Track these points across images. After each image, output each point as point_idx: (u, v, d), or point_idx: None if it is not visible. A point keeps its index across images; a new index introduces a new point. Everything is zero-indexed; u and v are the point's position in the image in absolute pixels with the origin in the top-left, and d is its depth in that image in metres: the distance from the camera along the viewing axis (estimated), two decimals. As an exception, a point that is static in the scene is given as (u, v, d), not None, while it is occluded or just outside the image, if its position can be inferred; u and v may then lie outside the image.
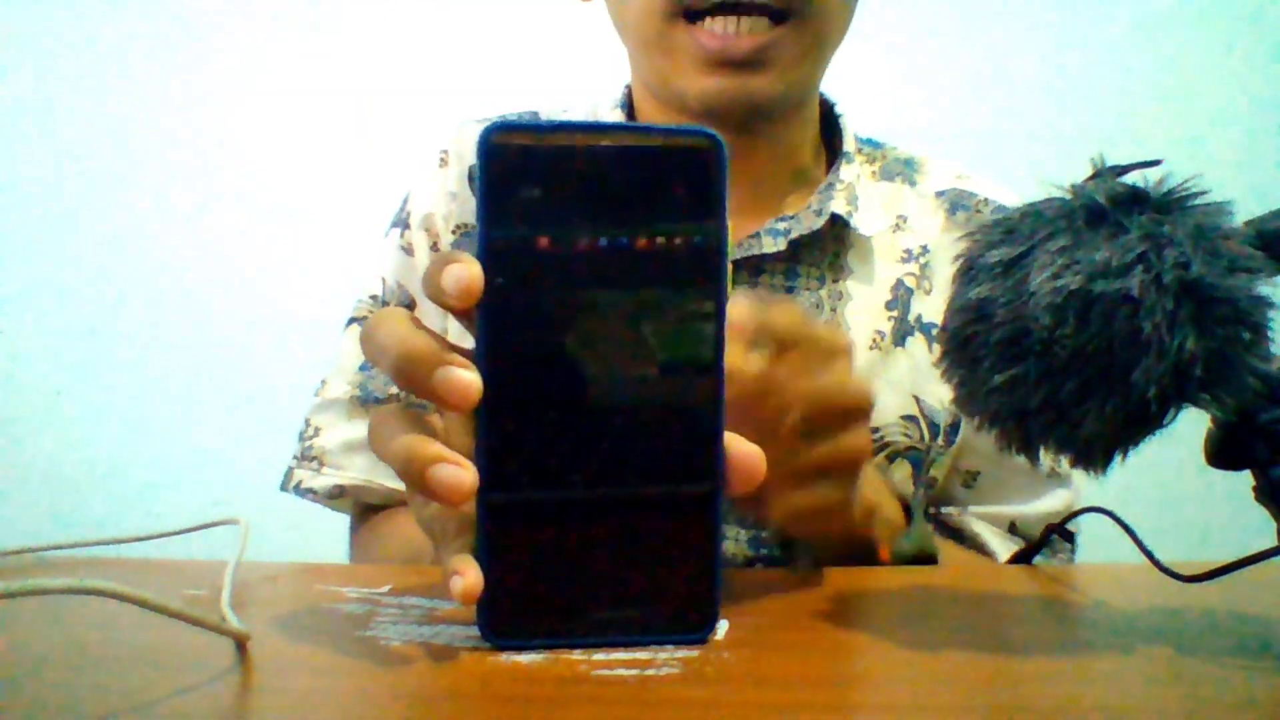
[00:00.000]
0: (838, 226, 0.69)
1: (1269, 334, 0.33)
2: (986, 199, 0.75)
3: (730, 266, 0.35)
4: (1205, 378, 0.32)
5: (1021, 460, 0.69)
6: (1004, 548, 0.70)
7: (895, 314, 0.71)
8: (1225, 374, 0.32)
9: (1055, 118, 1.60)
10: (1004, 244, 0.34)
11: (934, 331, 0.71)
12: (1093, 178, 0.35)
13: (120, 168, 1.66)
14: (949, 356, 0.36)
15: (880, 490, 0.53)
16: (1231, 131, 1.61)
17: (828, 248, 0.70)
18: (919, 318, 0.71)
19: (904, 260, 0.72)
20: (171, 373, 1.66)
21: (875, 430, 0.69)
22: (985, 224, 0.36)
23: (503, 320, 0.33)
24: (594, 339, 0.33)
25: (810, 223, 0.68)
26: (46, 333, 1.67)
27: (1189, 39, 1.63)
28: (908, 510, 0.57)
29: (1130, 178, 0.35)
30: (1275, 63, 1.63)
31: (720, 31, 0.60)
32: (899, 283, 0.71)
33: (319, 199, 1.62)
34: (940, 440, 0.71)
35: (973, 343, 0.34)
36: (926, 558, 0.55)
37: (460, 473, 0.32)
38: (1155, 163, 0.36)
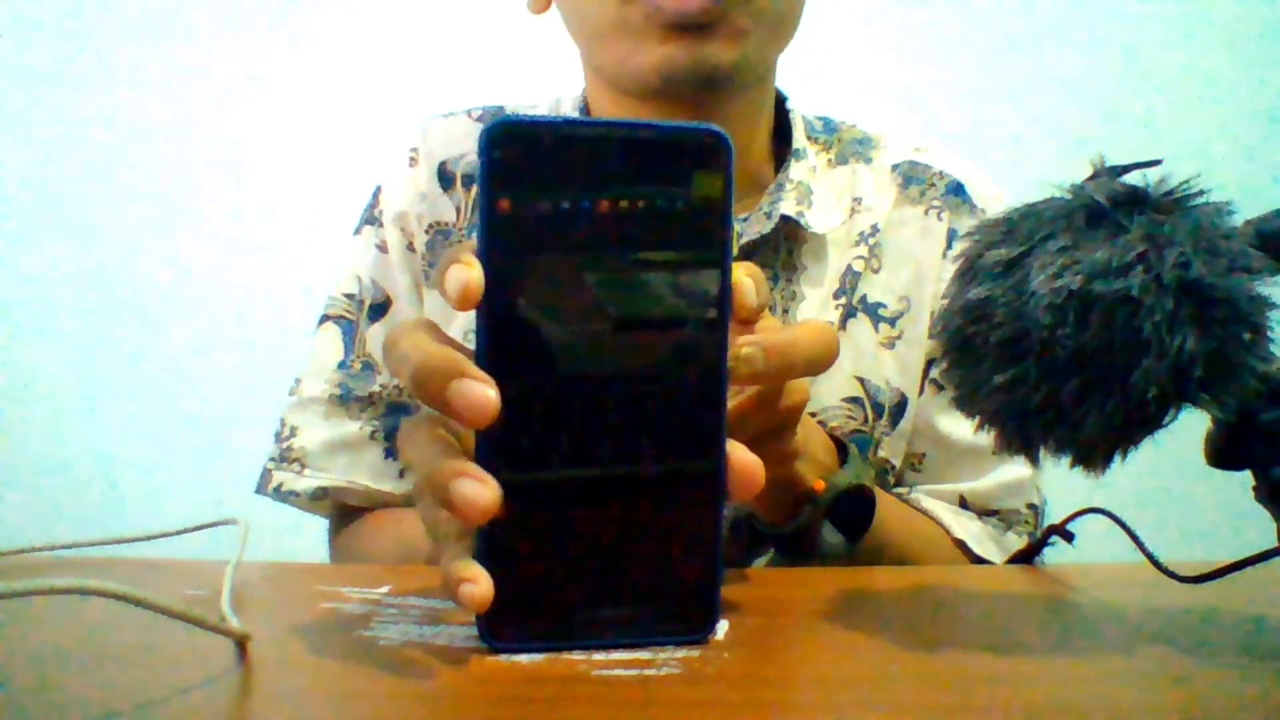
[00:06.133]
0: (790, 225, 0.69)
1: (1269, 334, 0.33)
2: (942, 172, 0.74)
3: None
4: (1205, 378, 0.32)
5: (966, 441, 0.69)
6: (955, 520, 0.69)
7: (843, 301, 0.70)
8: (1225, 374, 0.32)
9: (1056, 118, 1.60)
10: (1004, 244, 0.34)
11: (879, 311, 0.71)
12: (1093, 178, 0.35)
13: (124, 166, 1.66)
14: (949, 356, 0.36)
15: (805, 426, 0.53)
16: (1233, 131, 1.61)
17: (780, 248, 0.70)
18: (863, 298, 0.71)
19: (856, 244, 0.71)
20: (171, 372, 1.66)
21: (814, 415, 0.68)
22: (985, 224, 0.36)
23: (504, 319, 0.33)
24: (597, 336, 0.33)
25: (760, 226, 0.68)
26: (46, 333, 1.67)
27: (1191, 38, 1.63)
28: (842, 448, 0.57)
29: (1130, 178, 0.35)
30: (1276, 61, 1.63)
31: None
32: (848, 268, 0.71)
33: (317, 196, 1.62)
34: (885, 420, 0.70)
35: (973, 343, 0.34)
36: (863, 492, 0.55)
37: (482, 489, 0.32)
38: (1155, 163, 0.36)
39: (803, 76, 0.80)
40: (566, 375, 0.33)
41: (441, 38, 1.62)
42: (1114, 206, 0.33)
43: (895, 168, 0.74)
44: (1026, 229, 0.34)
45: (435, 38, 1.62)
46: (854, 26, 1.57)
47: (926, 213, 0.73)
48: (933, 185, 0.74)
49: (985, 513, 0.71)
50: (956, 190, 0.74)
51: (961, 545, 0.67)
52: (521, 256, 0.32)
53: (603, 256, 0.33)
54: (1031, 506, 0.72)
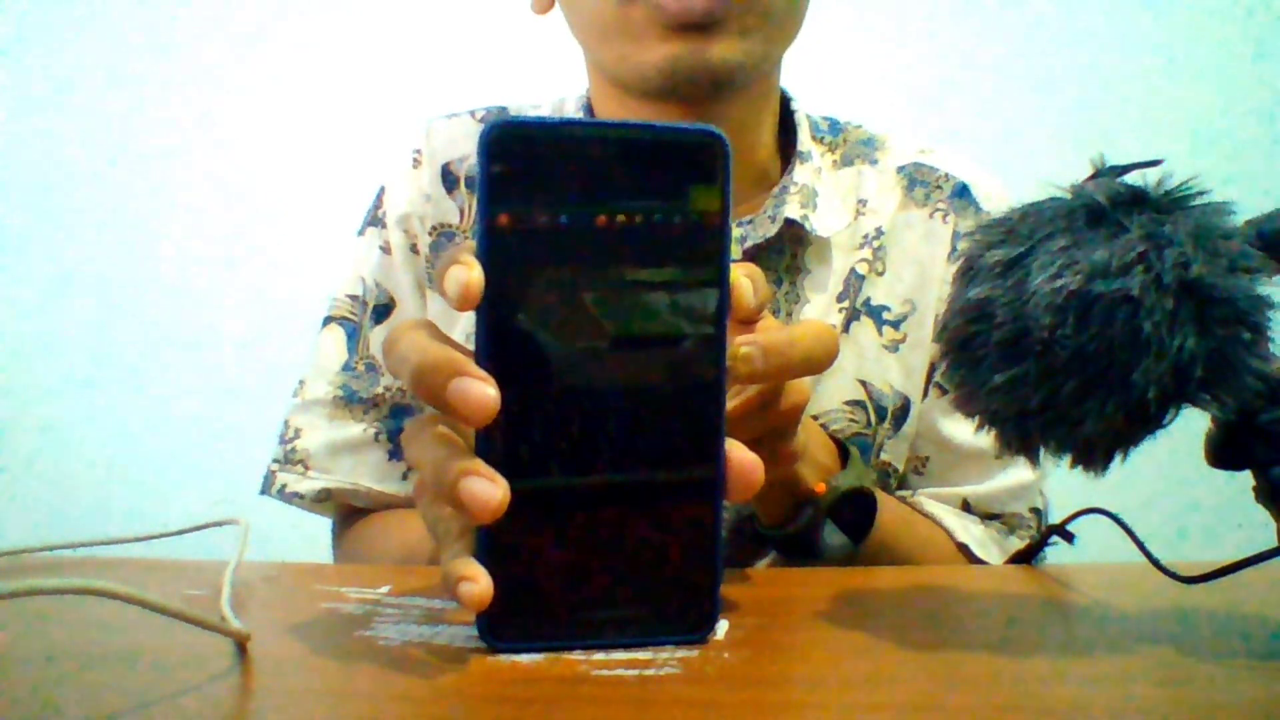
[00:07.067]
0: (794, 228, 0.68)
1: (1269, 334, 0.33)
2: (947, 174, 0.74)
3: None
4: (1205, 378, 0.32)
5: (970, 444, 0.69)
6: (958, 523, 0.69)
7: (846, 304, 0.70)
8: (1225, 374, 0.32)
9: (1056, 118, 1.60)
10: (1004, 244, 0.34)
11: (882, 314, 0.71)
12: (1093, 178, 0.36)
13: (125, 166, 1.66)
14: (949, 356, 0.36)
15: (806, 427, 0.53)
16: (1233, 131, 1.61)
17: (785, 250, 0.69)
18: (867, 301, 0.71)
19: (860, 247, 0.71)
20: (171, 373, 1.66)
21: (816, 418, 0.68)
22: (986, 224, 0.36)
23: (504, 320, 0.33)
24: (595, 336, 0.33)
25: (765, 230, 0.68)
26: (46, 333, 1.67)
27: (1192, 38, 1.63)
28: (843, 450, 0.57)
29: (1130, 178, 0.35)
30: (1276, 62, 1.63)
31: None
32: (851, 271, 0.70)
33: (316, 197, 1.62)
34: (887, 424, 0.70)
35: (973, 343, 0.34)
36: (864, 494, 0.55)
37: (492, 488, 0.32)
38: (1155, 163, 0.36)
39: (806, 76, 0.80)
40: (567, 376, 0.33)
41: (445, 38, 1.62)
42: (1114, 206, 0.33)
43: (900, 170, 0.74)
44: (1026, 229, 0.34)
45: (439, 38, 1.62)
46: (857, 25, 1.57)
47: (932, 215, 0.72)
48: (938, 187, 0.73)
49: (988, 516, 0.71)
50: (962, 192, 0.73)
51: (964, 549, 0.67)
52: (520, 258, 0.32)
53: (601, 258, 0.33)
54: (1035, 511, 0.72)
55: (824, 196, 0.71)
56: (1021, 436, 0.35)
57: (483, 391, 0.32)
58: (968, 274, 0.35)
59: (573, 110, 0.74)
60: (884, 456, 0.70)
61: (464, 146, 0.74)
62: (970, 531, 0.69)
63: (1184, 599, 0.42)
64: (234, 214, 1.66)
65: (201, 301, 1.66)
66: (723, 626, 0.37)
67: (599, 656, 0.34)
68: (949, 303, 0.36)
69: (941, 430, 0.71)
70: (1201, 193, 0.34)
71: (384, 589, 0.43)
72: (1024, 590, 0.46)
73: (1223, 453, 0.35)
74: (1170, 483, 1.33)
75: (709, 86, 0.62)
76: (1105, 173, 0.35)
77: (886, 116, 0.85)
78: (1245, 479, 0.35)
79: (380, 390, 0.72)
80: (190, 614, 0.32)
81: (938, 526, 0.68)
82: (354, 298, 0.75)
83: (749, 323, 0.39)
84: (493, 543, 0.33)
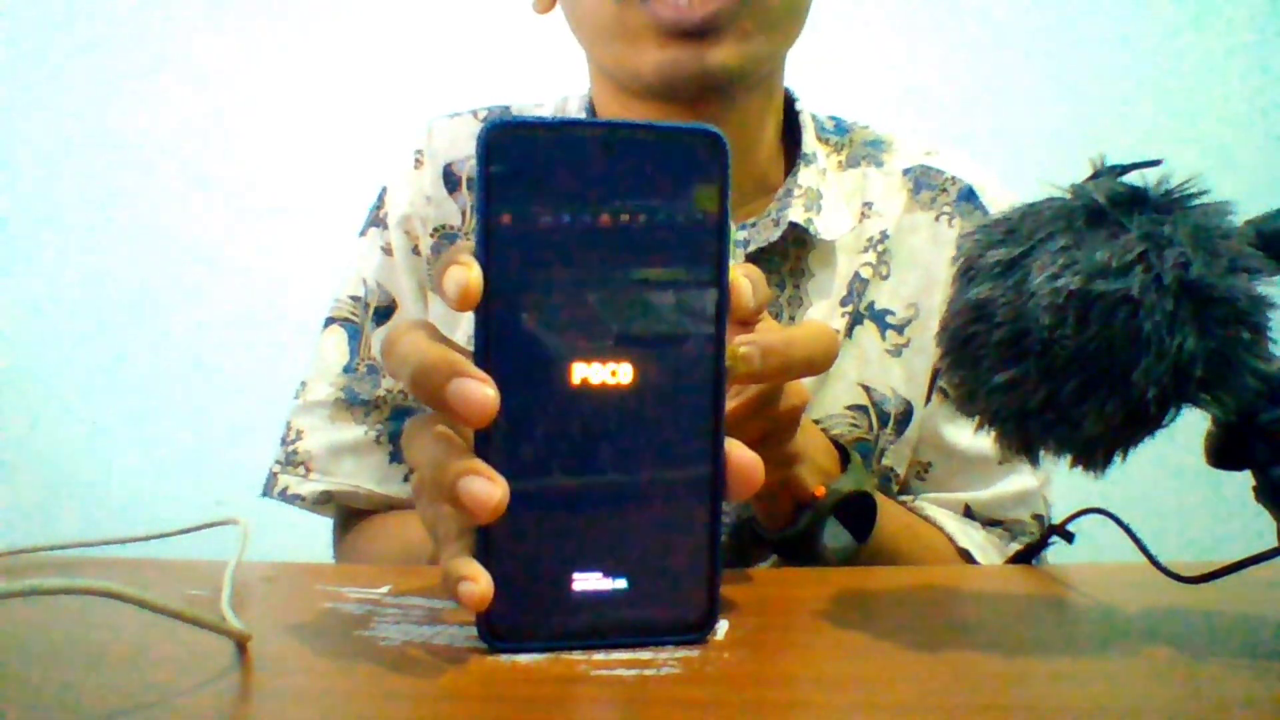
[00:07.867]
0: (798, 231, 0.68)
1: (1269, 334, 0.33)
2: (954, 177, 0.73)
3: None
4: (1205, 378, 0.32)
5: (972, 450, 0.68)
6: (959, 528, 0.69)
7: (849, 308, 0.69)
8: (1225, 374, 0.32)
9: (1057, 118, 1.60)
10: (1004, 244, 0.34)
11: (886, 318, 0.70)
12: (1093, 178, 0.36)
13: (125, 167, 1.66)
14: (949, 356, 0.36)
15: (807, 430, 0.53)
16: (1234, 132, 1.61)
17: (788, 254, 0.69)
18: (870, 305, 0.70)
19: (864, 250, 0.71)
20: (171, 372, 1.66)
21: (818, 422, 0.67)
22: (985, 224, 0.36)
23: (503, 320, 0.33)
24: (594, 336, 0.33)
25: (768, 233, 0.67)
26: (46, 334, 1.67)
27: (1193, 38, 1.63)
28: (844, 454, 0.57)
29: (1130, 178, 0.35)
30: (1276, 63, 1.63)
31: (673, 2, 0.59)
32: (855, 275, 0.70)
33: (317, 197, 1.62)
34: (890, 429, 0.70)
35: (973, 343, 0.34)
36: (864, 498, 0.55)
37: (491, 488, 0.32)
38: (1155, 163, 0.36)
39: (808, 76, 0.80)
40: (565, 372, 0.33)
41: (447, 38, 1.62)
42: (1114, 206, 0.33)
43: (906, 172, 0.74)
44: (1026, 229, 0.34)
45: (440, 38, 1.62)
46: (860, 24, 1.57)
47: (937, 219, 0.72)
48: (944, 191, 0.73)
49: (990, 523, 0.71)
50: (968, 196, 0.73)
51: (965, 554, 0.67)
52: (519, 257, 0.33)
53: (600, 258, 0.33)
54: (1037, 517, 0.71)
55: (829, 199, 0.70)
56: (1021, 437, 0.35)
57: (482, 392, 0.32)
58: (967, 274, 0.35)
59: (575, 110, 0.74)
60: (886, 461, 0.70)
61: (466, 147, 0.74)
62: (971, 537, 0.68)
63: (1184, 599, 0.42)
64: (235, 214, 1.66)
65: (202, 302, 1.66)
66: (723, 626, 0.37)
67: (599, 656, 0.34)
68: (949, 303, 0.36)
69: (944, 436, 0.71)
70: (1201, 193, 0.34)
71: (384, 589, 0.43)
72: (1024, 590, 0.46)
73: (1223, 453, 0.35)
74: (1170, 483, 1.33)
75: (706, 90, 0.62)
76: (1105, 173, 0.35)
77: (888, 116, 0.85)
78: (1245, 479, 0.35)
79: (382, 392, 0.72)
80: (190, 614, 0.32)
81: (939, 531, 0.68)
82: (355, 299, 0.74)
83: (748, 323, 0.39)
84: (492, 543, 0.33)
